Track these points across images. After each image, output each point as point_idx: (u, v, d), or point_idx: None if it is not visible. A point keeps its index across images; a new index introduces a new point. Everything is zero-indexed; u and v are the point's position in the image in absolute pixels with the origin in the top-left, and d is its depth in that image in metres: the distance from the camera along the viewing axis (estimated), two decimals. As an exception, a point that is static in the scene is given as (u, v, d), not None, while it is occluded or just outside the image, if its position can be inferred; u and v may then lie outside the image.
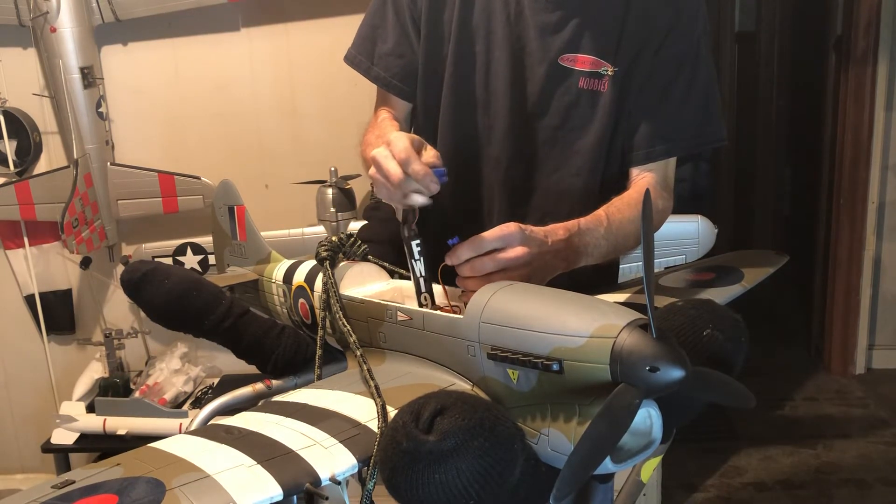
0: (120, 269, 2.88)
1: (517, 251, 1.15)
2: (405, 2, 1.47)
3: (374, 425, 1.01)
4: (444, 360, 1.10)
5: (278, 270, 1.56)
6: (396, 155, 1.11)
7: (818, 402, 3.71)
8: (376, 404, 1.04)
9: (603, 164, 1.43)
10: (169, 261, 2.71)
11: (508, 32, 1.41)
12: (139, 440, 2.10)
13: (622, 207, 1.33)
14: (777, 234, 4.97)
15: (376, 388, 1.08)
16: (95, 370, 2.87)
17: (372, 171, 1.15)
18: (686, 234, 2.42)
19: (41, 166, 2.83)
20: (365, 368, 1.13)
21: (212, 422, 1.19)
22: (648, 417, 0.92)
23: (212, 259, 2.64)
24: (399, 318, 1.18)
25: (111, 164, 2.74)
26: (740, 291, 1.41)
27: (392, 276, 1.38)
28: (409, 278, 1.35)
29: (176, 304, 1.42)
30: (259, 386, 1.38)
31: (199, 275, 1.53)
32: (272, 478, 0.90)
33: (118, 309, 2.98)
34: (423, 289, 1.20)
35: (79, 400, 2.77)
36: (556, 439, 0.92)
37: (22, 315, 2.97)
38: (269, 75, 2.78)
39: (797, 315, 4.45)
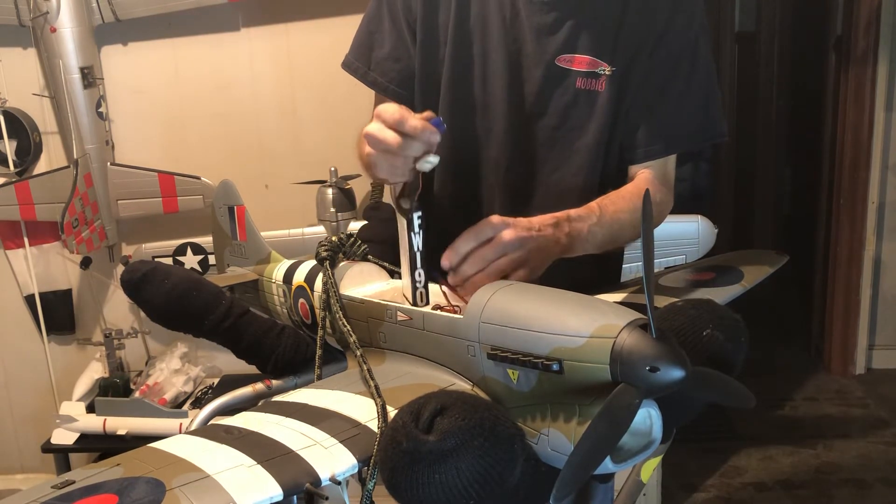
0: (120, 269, 2.88)
1: (509, 233, 1.14)
2: (400, 6, 1.46)
3: (374, 425, 1.01)
4: (444, 360, 1.10)
5: (278, 270, 1.56)
6: (388, 119, 1.05)
7: (818, 402, 3.71)
8: (376, 404, 1.04)
9: (602, 164, 1.42)
10: (169, 261, 2.71)
11: (504, 34, 1.41)
12: (139, 440, 2.10)
13: (616, 199, 1.33)
14: (777, 234, 4.97)
15: (376, 387, 1.08)
16: (95, 370, 2.87)
17: (368, 149, 1.10)
18: (686, 234, 2.42)
19: (41, 166, 2.83)
20: (365, 368, 1.13)
21: (212, 422, 1.19)
22: (648, 417, 0.92)
23: (212, 259, 2.64)
24: (399, 318, 1.18)
25: (111, 164, 2.74)
26: (740, 291, 1.41)
27: (392, 276, 1.38)
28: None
29: (176, 304, 1.42)
30: (259, 386, 1.38)
31: (199, 275, 1.52)
32: (272, 478, 0.90)
33: (118, 309, 2.98)
34: (417, 265, 1.17)
35: (79, 400, 2.77)
36: (556, 439, 0.92)
37: (22, 315, 2.98)
38: (269, 75, 2.78)
39: (797, 315, 4.46)
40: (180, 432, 1.08)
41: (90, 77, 2.64)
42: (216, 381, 2.89)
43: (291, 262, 1.56)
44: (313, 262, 1.44)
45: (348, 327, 1.24)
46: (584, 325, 0.91)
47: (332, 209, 2.40)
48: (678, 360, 0.86)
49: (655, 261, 1.17)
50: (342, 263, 1.38)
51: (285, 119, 2.79)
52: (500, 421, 0.91)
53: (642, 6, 1.38)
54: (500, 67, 1.42)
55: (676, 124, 1.41)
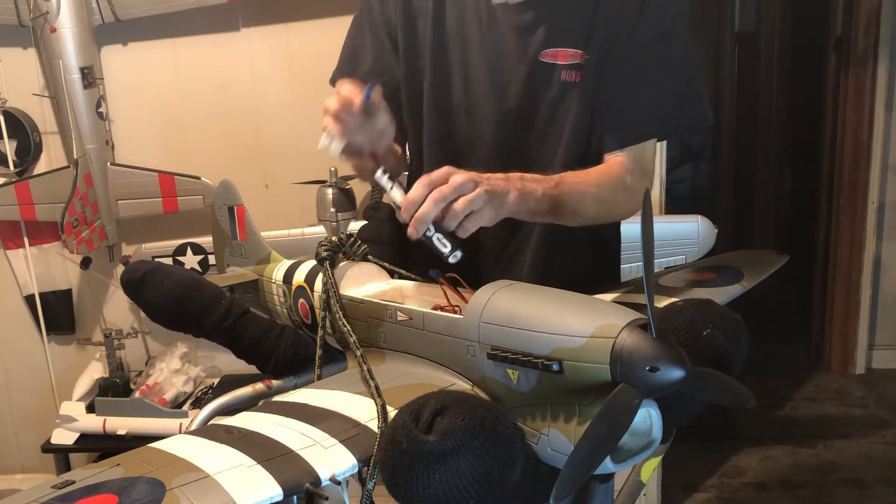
0: (120, 269, 2.88)
1: (460, 176, 1.12)
2: (380, 19, 1.48)
3: (374, 425, 1.01)
4: (444, 360, 1.10)
5: (278, 270, 1.56)
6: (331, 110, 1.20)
7: (818, 402, 3.71)
8: (376, 404, 1.04)
9: (584, 153, 1.42)
10: (169, 261, 2.71)
11: (483, 38, 1.41)
12: (139, 440, 2.10)
13: (579, 174, 1.32)
14: (777, 234, 4.97)
15: (376, 388, 1.08)
16: (95, 370, 2.87)
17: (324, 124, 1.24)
18: (686, 234, 2.42)
19: (41, 166, 2.83)
20: (365, 368, 1.13)
21: (212, 422, 1.19)
22: (648, 417, 0.92)
23: (212, 259, 2.64)
24: (399, 318, 1.18)
25: (111, 164, 2.74)
26: (740, 291, 1.41)
27: (392, 276, 1.38)
28: (409, 278, 1.36)
29: (176, 304, 1.42)
30: (259, 386, 1.38)
31: (199, 275, 1.53)
32: (272, 478, 0.90)
33: (118, 309, 2.98)
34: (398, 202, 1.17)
35: (79, 400, 2.77)
36: (556, 439, 0.92)
37: (22, 315, 2.98)
38: (269, 75, 2.78)
39: (797, 315, 4.46)
40: (180, 432, 1.08)
41: (90, 77, 2.63)
42: (216, 381, 2.89)
43: (291, 262, 1.56)
44: (313, 262, 1.44)
45: (348, 327, 1.24)
46: (584, 325, 0.91)
47: (332, 209, 2.40)
48: (678, 360, 0.86)
49: (655, 261, 1.17)
50: (342, 263, 1.38)
51: (285, 119, 2.79)
52: (501, 421, 0.91)
53: None
54: (481, 70, 1.42)
55: (652, 110, 1.39)
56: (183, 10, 2.62)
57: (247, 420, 1.05)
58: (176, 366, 2.83)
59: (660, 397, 0.90)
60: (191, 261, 2.72)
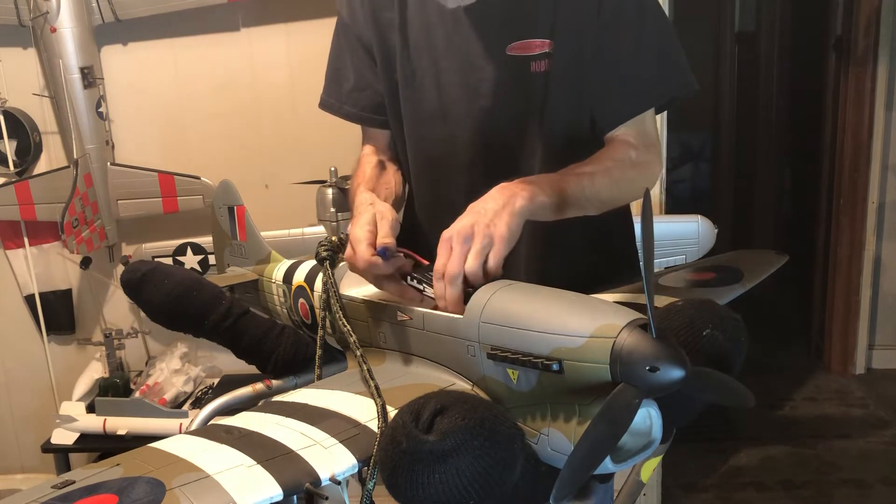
0: (120, 269, 2.88)
1: (456, 237, 1.12)
2: (354, 36, 1.50)
3: (374, 425, 1.01)
4: (444, 359, 1.10)
5: (278, 270, 1.56)
6: (357, 260, 1.19)
7: (818, 402, 3.71)
8: (376, 404, 1.04)
9: (572, 141, 1.41)
10: (169, 261, 2.71)
11: (449, 41, 1.41)
12: (139, 440, 2.10)
13: (582, 163, 1.32)
14: (777, 234, 4.97)
15: (376, 388, 1.08)
16: (95, 370, 2.87)
17: (348, 265, 1.24)
18: (686, 234, 2.42)
19: (41, 166, 2.83)
20: (365, 368, 1.13)
21: (212, 422, 1.19)
22: (648, 417, 0.92)
23: (212, 259, 2.64)
24: (399, 318, 1.18)
25: (111, 164, 2.74)
26: (740, 291, 1.41)
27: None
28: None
29: (176, 304, 1.42)
30: (259, 386, 1.38)
31: (199, 275, 1.53)
32: (272, 478, 0.90)
33: (118, 309, 2.98)
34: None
35: (79, 400, 2.77)
36: (556, 439, 0.92)
37: (22, 315, 2.98)
38: (269, 75, 2.78)
39: (797, 315, 4.46)
40: (180, 432, 1.08)
41: (90, 77, 2.64)
42: (216, 381, 2.89)
43: (291, 262, 1.56)
44: (313, 262, 1.44)
45: (348, 327, 1.24)
46: (584, 325, 0.91)
47: (332, 209, 2.40)
48: (678, 360, 0.86)
49: (655, 260, 1.16)
50: (342, 263, 1.38)
51: (285, 119, 2.79)
52: (501, 421, 0.91)
53: None
54: (452, 73, 1.42)
55: (637, 83, 1.39)
56: (183, 10, 2.62)
57: (247, 420, 1.05)
58: (176, 366, 2.83)
59: (660, 397, 0.90)
60: (191, 261, 2.72)
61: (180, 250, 2.73)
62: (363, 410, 1.05)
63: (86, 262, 2.85)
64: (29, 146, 2.76)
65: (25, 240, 2.85)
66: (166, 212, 2.74)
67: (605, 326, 0.90)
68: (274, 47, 2.76)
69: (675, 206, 2.71)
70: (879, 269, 3.87)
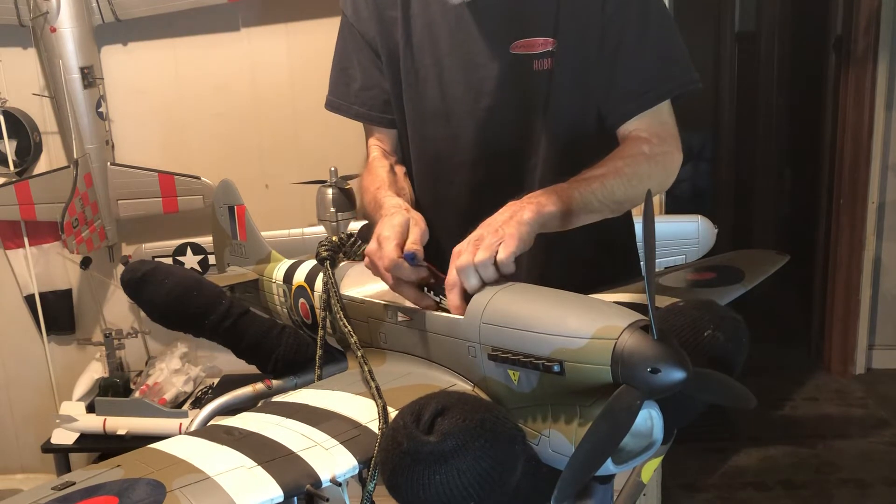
0: (120, 269, 2.88)
1: (459, 267, 1.10)
2: (359, 35, 1.50)
3: (374, 426, 1.01)
4: (444, 360, 1.10)
5: (278, 270, 1.56)
6: (373, 253, 1.19)
7: (818, 402, 3.71)
8: (377, 405, 1.04)
9: (578, 139, 1.41)
10: (169, 261, 2.71)
11: (453, 40, 1.41)
12: (139, 440, 2.10)
13: (593, 166, 1.31)
14: (777, 234, 4.97)
15: (377, 389, 1.08)
16: (95, 370, 2.87)
17: (366, 260, 1.23)
18: (686, 234, 2.42)
19: (41, 166, 2.83)
20: (366, 370, 1.13)
21: (212, 422, 1.19)
22: (649, 418, 0.91)
23: (212, 259, 2.64)
24: (400, 319, 1.17)
25: (111, 164, 2.74)
26: (740, 291, 1.41)
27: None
28: None
29: (176, 303, 1.42)
30: (259, 386, 1.38)
31: (199, 275, 1.53)
32: (273, 479, 0.90)
33: (118, 309, 2.98)
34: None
35: (79, 400, 2.76)
36: (557, 440, 0.92)
37: (22, 315, 2.97)
38: (269, 75, 2.78)
39: (797, 315, 4.45)
40: (180, 432, 1.08)
41: (90, 77, 2.63)
42: (216, 381, 2.89)
43: (291, 261, 1.56)
44: (313, 262, 1.44)
45: (349, 328, 1.24)
46: (586, 326, 0.91)
47: (332, 209, 2.39)
48: (679, 361, 0.86)
49: (656, 260, 1.16)
50: (342, 263, 1.38)
51: (285, 119, 2.79)
52: (501, 422, 0.91)
53: None
54: (455, 72, 1.43)
55: (642, 78, 1.38)
56: (183, 10, 2.62)
57: (247, 421, 1.05)
58: (176, 366, 2.83)
59: (661, 398, 0.90)
60: (191, 261, 2.72)
61: (180, 250, 2.73)
62: (364, 411, 1.05)
63: (86, 262, 2.85)
64: (29, 146, 2.76)
65: (25, 240, 2.84)
66: (166, 212, 2.73)
67: (607, 328, 0.89)
68: (274, 47, 2.75)
69: (675, 206, 2.71)
70: (879, 269, 3.87)
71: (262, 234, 1.69)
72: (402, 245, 1.17)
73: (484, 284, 1.08)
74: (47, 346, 2.96)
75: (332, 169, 2.43)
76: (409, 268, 1.14)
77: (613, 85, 1.38)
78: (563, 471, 0.86)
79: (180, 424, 2.46)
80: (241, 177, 1.96)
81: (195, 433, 1.03)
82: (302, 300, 1.45)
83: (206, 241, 2.67)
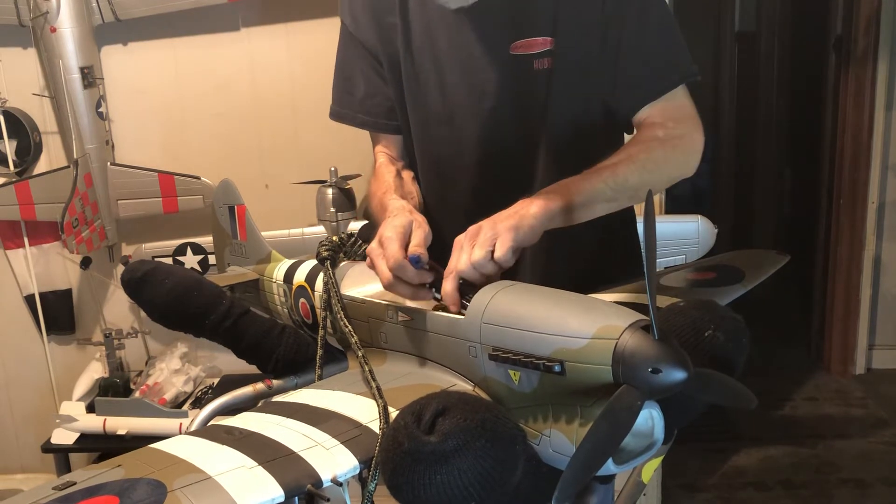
0: (120, 269, 2.88)
1: (460, 265, 1.12)
2: (359, 43, 1.50)
3: (375, 426, 1.01)
4: (445, 360, 1.10)
5: (279, 270, 1.56)
6: (376, 254, 1.19)
7: (818, 402, 3.71)
8: (378, 405, 1.04)
9: (583, 135, 1.42)
10: (169, 261, 2.71)
11: (451, 42, 1.41)
12: (139, 440, 2.10)
13: (606, 160, 1.32)
14: (777, 234, 4.97)
15: (378, 389, 1.08)
16: (95, 370, 2.87)
17: (368, 260, 1.23)
18: (686, 234, 2.42)
19: (41, 166, 2.83)
20: (367, 370, 1.13)
21: (213, 422, 1.19)
22: (650, 418, 0.91)
23: (212, 259, 2.64)
24: (400, 319, 1.17)
25: (111, 164, 2.74)
26: (741, 291, 1.41)
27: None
28: None
29: (177, 303, 1.42)
30: (259, 386, 1.38)
31: (199, 275, 1.53)
32: (273, 479, 0.90)
33: (118, 309, 2.98)
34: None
35: (79, 400, 2.77)
36: (558, 440, 0.92)
37: (22, 315, 2.97)
38: (269, 75, 2.78)
39: (797, 315, 4.46)
40: (180, 432, 1.08)
41: (90, 77, 2.63)
42: (216, 381, 2.89)
43: (292, 261, 1.56)
44: (314, 262, 1.44)
45: (350, 327, 1.24)
46: (586, 326, 0.91)
47: (332, 209, 2.40)
48: (680, 361, 0.86)
49: (656, 260, 1.16)
50: (343, 263, 1.38)
51: (285, 119, 2.79)
52: (502, 422, 0.91)
53: None
54: (456, 75, 1.43)
55: (646, 69, 1.39)
56: (183, 10, 2.62)
57: (247, 420, 1.05)
58: (176, 366, 2.83)
59: (661, 398, 0.90)
60: (191, 261, 2.72)
61: (180, 250, 2.73)
62: (364, 411, 1.04)
63: (86, 262, 2.85)
64: (29, 146, 2.76)
65: (25, 240, 2.84)
66: (166, 212, 2.73)
67: (607, 328, 0.89)
68: (274, 47, 2.76)
69: (675, 206, 2.71)
70: (879, 269, 3.87)
71: (262, 234, 1.69)
72: (405, 246, 1.18)
73: (487, 279, 1.09)
74: (47, 346, 2.96)
75: (332, 169, 2.43)
76: (413, 270, 1.15)
77: (620, 77, 1.38)
78: (563, 471, 0.86)
79: (180, 424, 2.46)
80: (241, 177, 1.96)
81: (195, 433, 1.03)
82: (302, 300, 1.45)
83: (206, 241, 2.67)
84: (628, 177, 1.30)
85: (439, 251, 1.19)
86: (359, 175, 2.47)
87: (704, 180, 5.69)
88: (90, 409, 2.68)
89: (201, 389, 2.85)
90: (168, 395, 2.74)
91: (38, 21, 2.57)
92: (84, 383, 2.83)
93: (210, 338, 1.45)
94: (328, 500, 0.91)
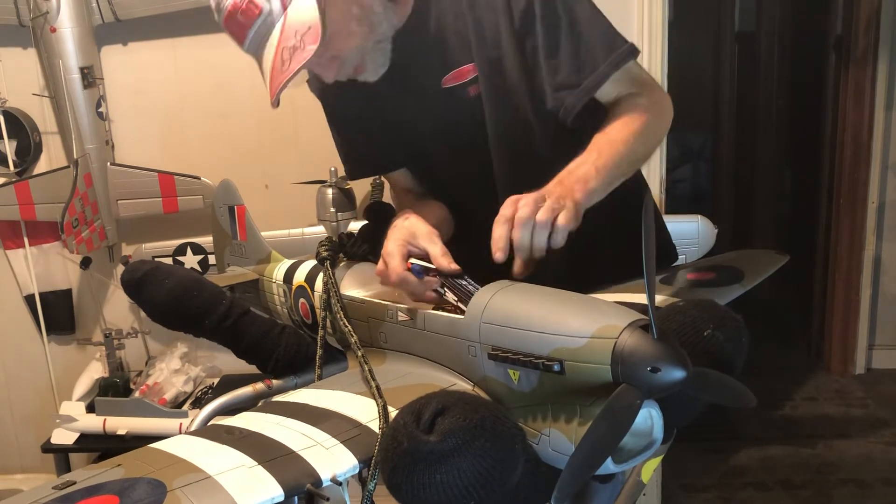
0: (120, 269, 2.88)
1: (521, 213, 1.13)
2: (340, 105, 1.54)
3: (374, 426, 1.01)
4: (444, 360, 1.10)
5: (279, 270, 1.56)
6: (381, 272, 1.22)
7: (818, 402, 3.71)
8: (377, 405, 1.04)
9: (541, 144, 1.42)
10: (169, 261, 2.71)
11: (395, 96, 1.44)
12: (139, 440, 2.10)
13: (603, 130, 1.32)
14: (777, 234, 4.97)
15: (378, 388, 1.08)
16: (95, 370, 2.87)
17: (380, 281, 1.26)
18: (686, 234, 2.42)
19: (41, 166, 2.83)
20: (367, 369, 1.13)
21: (213, 422, 1.19)
22: (649, 418, 0.92)
23: (212, 259, 2.64)
24: (400, 318, 1.18)
25: (111, 164, 2.74)
26: (740, 291, 1.41)
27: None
28: None
29: (176, 304, 1.42)
30: (259, 386, 1.38)
31: (199, 275, 1.53)
32: (273, 478, 0.90)
33: (118, 309, 2.98)
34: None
35: (79, 400, 2.76)
36: (557, 440, 0.92)
37: (22, 315, 2.97)
38: (269, 75, 2.77)
39: (797, 315, 4.45)
40: (180, 432, 1.08)
41: (90, 77, 2.63)
42: (216, 381, 2.89)
43: (292, 261, 1.56)
44: (313, 262, 1.44)
45: (349, 327, 1.24)
46: (586, 325, 0.91)
47: (332, 209, 2.40)
48: (679, 360, 0.86)
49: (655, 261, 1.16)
50: (342, 263, 1.38)
51: (285, 119, 2.79)
52: (501, 421, 0.91)
53: None
54: (416, 124, 1.46)
55: (587, 61, 1.36)
56: (183, 10, 2.62)
57: (247, 420, 1.05)
58: (176, 366, 2.83)
59: (661, 398, 0.90)
60: (191, 261, 2.72)
61: (180, 250, 2.73)
62: (364, 411, 1.05)
63: (86, 262, 2.85)
64: (29, 146, 2.76)
65: (25, 240, 2.84)
66: (166, 212, 2.73)
67: (607, 327, 0.90)
68: (274, 47, 2.75)
69: (675, 206, 2.71)
70: (879, 269, 3.87)
71: (262, 234, 1.69)
72: (406, 257, 1.21)
73: (530, 246, 1.12)
74: (47, 346, 2.96)
75: (332, 169, 2.43)
76: (416, 280, 1.18)
77: (559, 77, 1.36)
78: (563, 470, 0.86)
79: (180, 424, 2.46)
80: (241, 177, 1.96)
81: (196, 433, 1.03)
82: (302, 300, 1.45)
83: (206, 241, 2.67)
84: (636, 149, 1.31)
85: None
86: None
87: (704, 180, 5.70)
88: (90, 409, 2.68)
89: (201, 389, 2.85)
90: (168, 395, 2.74)
91: (38, 21, 2.57)
92: (84, 383, 2.83)
93: (210, 338, 1.45)
94: (328, 499, 0.91)
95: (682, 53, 3.09)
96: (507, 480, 0.90)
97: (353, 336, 1.23)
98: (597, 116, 1.37)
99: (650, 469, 1.42)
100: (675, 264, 1.63)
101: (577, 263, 1.32)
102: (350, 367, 1.26)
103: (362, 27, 1.31)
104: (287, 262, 1.57)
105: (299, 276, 1.47)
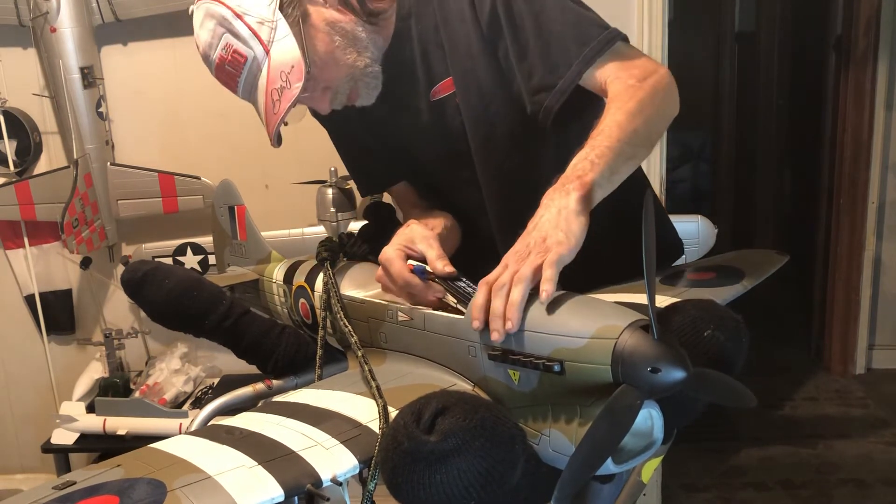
0: (120, 269, 2.88)
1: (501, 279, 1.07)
2: (342, 131, 1.58)
3: (375, 426, 1.01)
4: (445, 360, 1.10)
5: (279, 270, 1.56)
6: (394, 277, 1.21)
7: (818, 402, 3.71)
8: (377, 405, 1.04)
9: (524, 146, 1.42)
10: (169, 261, 2.71)
11: (391, 113, 1.45)
12: (139, 440, 2.10)
13: (604, 121, 1.25)
14: (777, 234, 4.97)
15: (378, 388, 1.08)
16: (95, 370, 2.87)
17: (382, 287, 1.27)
18: (686, 234, 2.41)
19: (41, 166, 2.83)
20: (367, 370, 1.13)
21: (213, 422, 1.19)
22: (650, 418, 0.92)
23: (212, 259, 2.64)
24: (400, 319, 1.18)
25: (111, 164, 2.74)
26: (740, 291, 1.41)
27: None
28: None
29: (177, 303, 1.42)
30: (259, 386, 1.38)
31: (199, 275, 1.53)
32: (273, 479, 0.90)
33: (118, 309, 2.98)
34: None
35: (79, 400, 2.76)
36: (558, 440, 0.92)
37: (22, 315, 2.97)
38: (269, 75, 2.77)
39: (797, 315, 4.45)
40: (180, 432, 1.08)
41: (90, 77, 2.63)
42: (216, 381, 2.89)
43: (292, 261, 1.56)
44: (314, 262, 1.44)
45: (349, 327, 1.24)
46: (586, 326, 0.91)
47: (332, 209, 2.40)
48: (679, 360, 0.86)
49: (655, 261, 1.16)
50: (342, 263, 1.38)
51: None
52: (502, 421, 0.91)
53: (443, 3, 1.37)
54: (423, 142, 1.47)
55: (562, 56, 1.32)
56: (183, 10, 2.61)
57: (247, 420, 1.05)
58: (176, 366, 2.83)
59: (661, 398, 0.90)
60: (191, 261, 2.72)
61: (180, 250, 2.73)
62: (364, 411, 1.05)
63: (86, 262, 2.85)
64: (29, 146, 2.76)
65: (25, 240, 2.84)
66: (166, 212, 2.73)
67: (607, 327, 0.90)
68: (274, 47, 2.75)
69: (675, 206, 2.71)
70: (879, 269, 3.86)
71: (262, 234, 1.69)
72: (405, 260, 1.21)
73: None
74: (47, 346, 2.96)
75: (332, 169, 2.43)
76: (421, 283, 1.18)
77: (537, 72, 1.33)
78: (563, 470, 0.86)
79: (180, 424, 2.46)
80: (241, 177, 1.96)
81: (196, 433, 1.03)
82: (302, 300, 1.45)
83: (206, 241, 2.67)
84: (638, 129, 1.23)
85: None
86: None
87: (704, 180, 5.70)
88: (90, 409, 2.68)
89: (201, 389, 2.85)
90: (168, 395, 2.74)
91: (38, 21, 2.57)
92: (84, 383, 2.83)
93: (210, 338, 1.45)
94: (328, 499, 0.91)
95: (682, 53, 3.09)
96: (507, 481, 0.90)
97: (353, 336, 1.23)
98: (589, 113, 1.33)
99: (650, 469, 1.42)
100: (674, 264, 1.63)
101: (577, 263, 1.31)
102: (350, 368, 1.26)
103: (348, 55, 1.32)
104: (287, 263, 1.57)
105: (299, 277, 1.47)
